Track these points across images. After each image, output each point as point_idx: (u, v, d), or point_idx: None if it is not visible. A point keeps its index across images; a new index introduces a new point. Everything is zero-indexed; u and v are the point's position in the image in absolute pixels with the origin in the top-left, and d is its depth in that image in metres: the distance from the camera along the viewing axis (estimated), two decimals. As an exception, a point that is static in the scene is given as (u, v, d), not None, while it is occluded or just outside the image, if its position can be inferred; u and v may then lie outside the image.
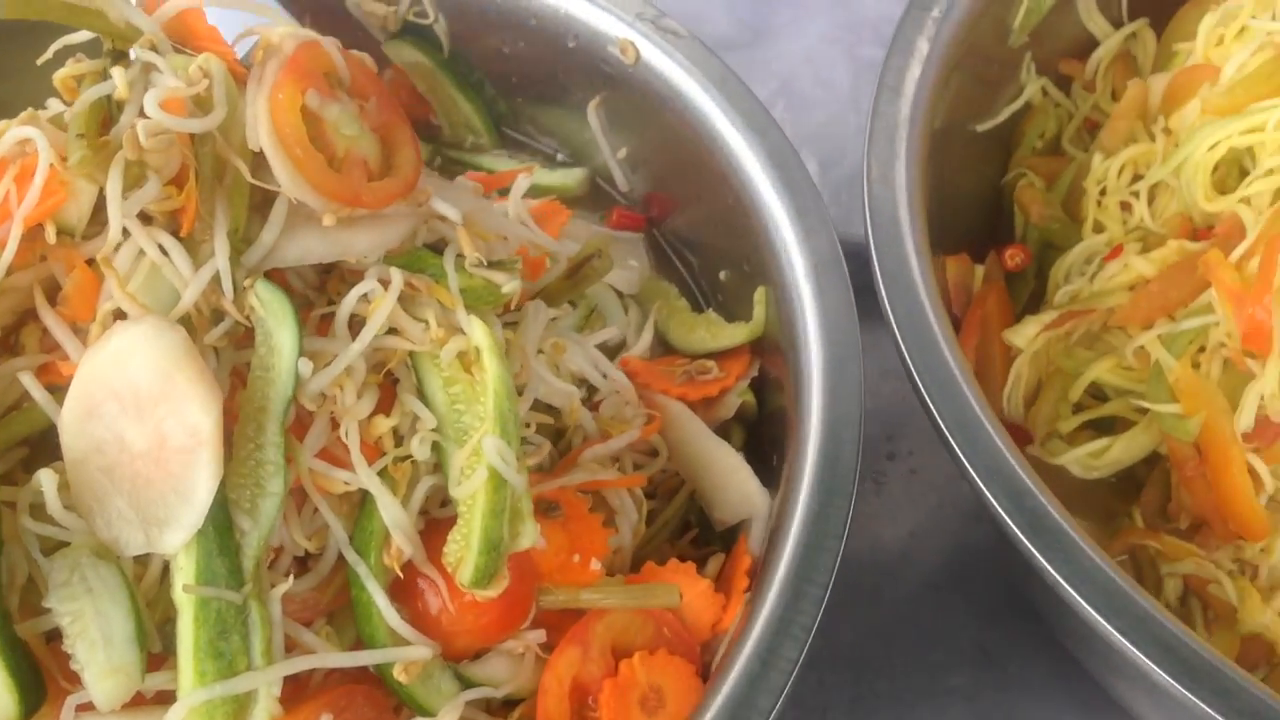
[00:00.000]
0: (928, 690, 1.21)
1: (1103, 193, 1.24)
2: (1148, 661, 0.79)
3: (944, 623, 1.23)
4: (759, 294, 1.05)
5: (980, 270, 1.27)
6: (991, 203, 1.34)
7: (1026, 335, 1.20)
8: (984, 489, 0.87)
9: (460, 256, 0.89)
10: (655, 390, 1.06)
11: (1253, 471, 1.05)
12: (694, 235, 1.19)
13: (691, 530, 1.04)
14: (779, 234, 1.02)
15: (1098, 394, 1.19)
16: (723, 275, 1.14)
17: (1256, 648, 1.07)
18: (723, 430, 1.07)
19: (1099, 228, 1.23)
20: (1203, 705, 0.76)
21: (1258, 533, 1.06)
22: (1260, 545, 1.08)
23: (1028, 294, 1.26)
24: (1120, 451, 1.13)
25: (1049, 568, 0.83)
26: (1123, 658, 0.80)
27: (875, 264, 0.97)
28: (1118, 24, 1.33)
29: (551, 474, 0.95)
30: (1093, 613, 0.81)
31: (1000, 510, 0.86)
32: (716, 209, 1.11)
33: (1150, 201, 1.21)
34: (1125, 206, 1.23)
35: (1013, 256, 1.27)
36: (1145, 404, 1.10)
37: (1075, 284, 1.20)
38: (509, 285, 0.89)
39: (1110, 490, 1.18)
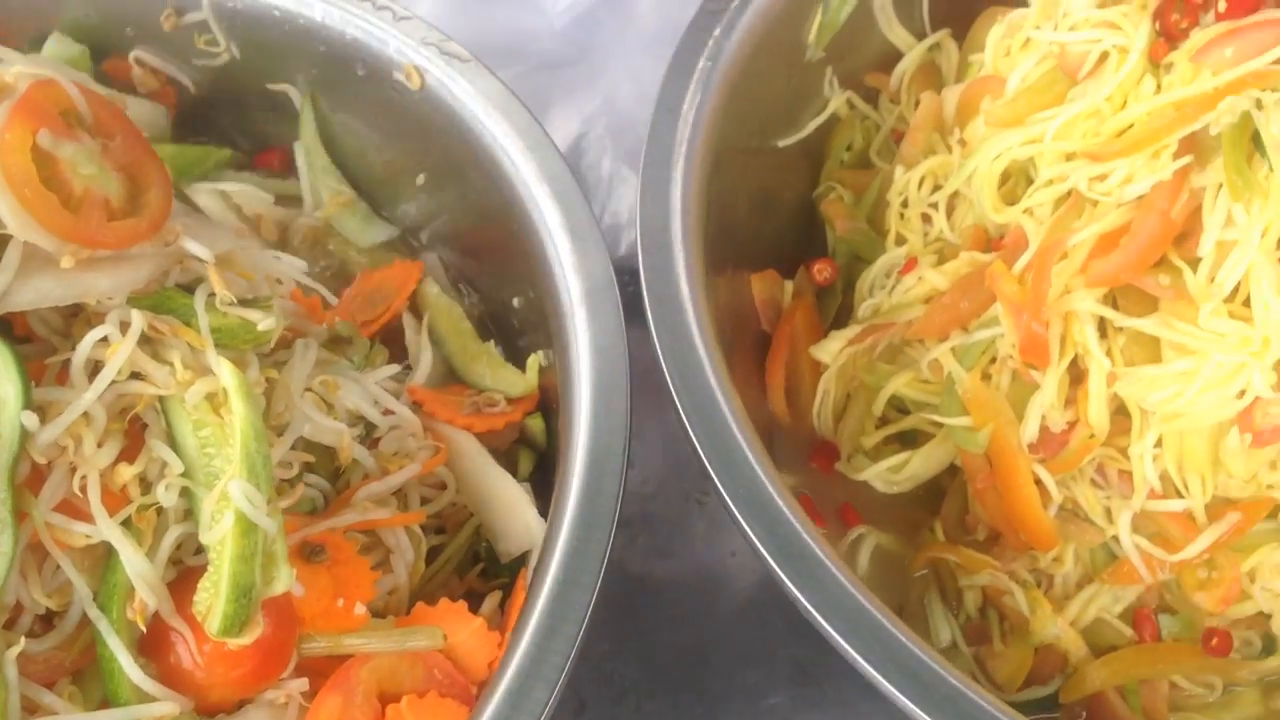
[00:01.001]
0: (746, 711, 1.20)
1: (905, 205, 1.24)
2: (886, 685, 0.79)
3: (762, 642, 1.23)
4: (532, 359, 1.06)
5: (790, 285, 1.28)
6: (806, 217, 1.33)
7: (831, 350, 1.20)
8: (736, 513, 0.86)
9: (212, 296, 0.86)
10: (441, 421, 1.04)
11: (1040, 482, 1.06)
12: (483, 260, 1.18)
13: (479, 563, 1.02)
14: (557, 259, 1.00)
15: (903, 408, 1.19)
16: (516, 302, 1.12)
17: (1051, 658, 1.07)
18: (511, 456, 1.06)
19: (900, 240, 1.23)
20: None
21: (1046, 542, 1.07)
22: (1054, 555, 1.09)
23: (836, 308, 1.26)
24: (918, 465, 1.14)
25: (800, 596, 0.82)
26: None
27: (644, 287, 0.96)
28: (921, 35, 1.33)
29: (324, 514, 0.93)
30: (838, 638, 0.81)
31: (752, 535, 0.85)
32: (502, 234, 1.09)
33: (950, 213, 1.21)
34: (926, 218, 1.23)
35: (820, 271, 1.27)
36: (937, 418, 1.10)
37: (877, 298, 1.20)
38: (264, 323, 0.87)
39: (917, 503, 1.18)
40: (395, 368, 1.03)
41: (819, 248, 1.32)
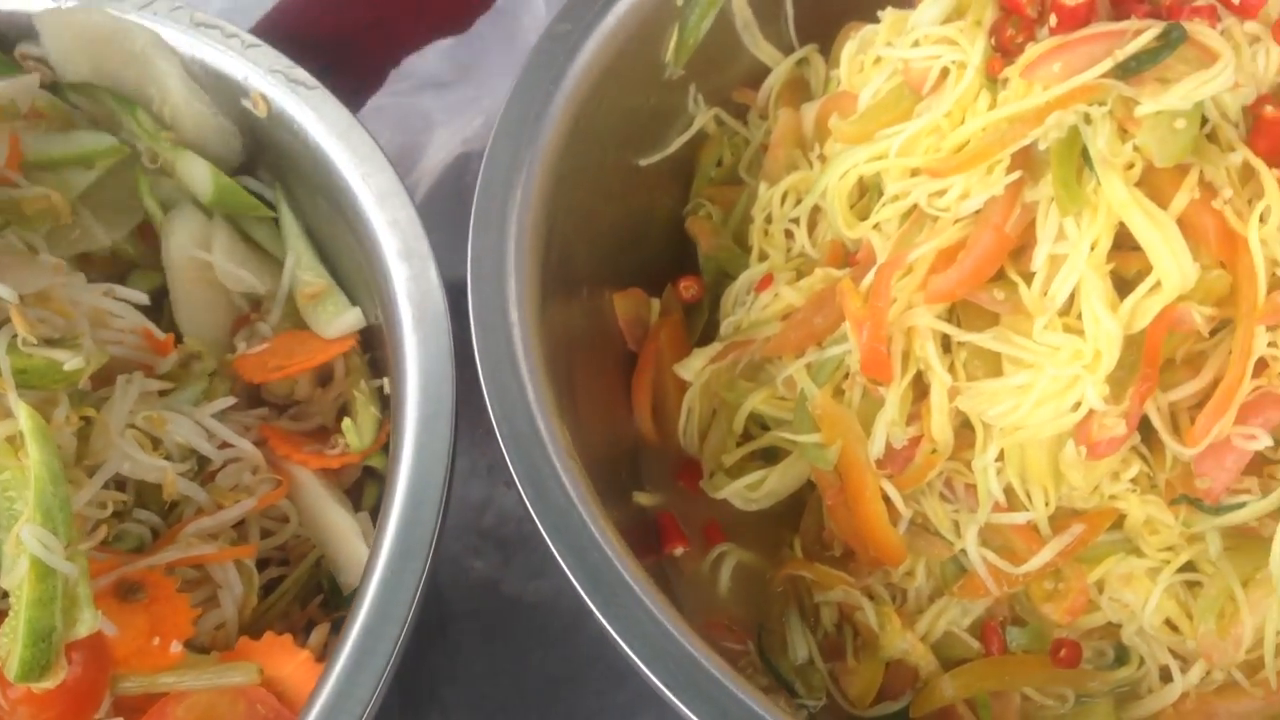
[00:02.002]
0: (616, 730, 1.20)
1: (769, 220, 1.24)
2: (685, 709, 0.79)
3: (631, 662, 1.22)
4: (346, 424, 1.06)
5: (657, 304, 1.28)
6: (680, 235, 1.33)
7: (694, 368, 1.20)
8: (548, 540, 0.86)
9: (15, 337, 0.86)
10: (281, 456, 1.04)
11: (888, 498, 1.06)
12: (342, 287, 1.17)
13: (320, 595, 1.02)
14: (391, 286, 1.00)
15: (767, 425, 1.19)
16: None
17: (903, 672, 1.08)
18: (357, 488, 1.06)
19: (764, 256, 1.23)
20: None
21: (894, 557, 1.07)
22: (906, 569, 1.09)
23: (703, 325, 1.26)
24: (775, 483, 1.14)
25: (604, 620, 0.82)
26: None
27: (471, 317, 0.96)
28: (789, 51, 1.33)
29: (150, 550, 0.92)
30: (639, 662, 0.81)
31: (562, 561, 0.85)
32: (350, 262, 1.09)
33: (812, 229, 1.21)
34: (790, 234, 1.23)
35: (687, 288, 1.27)
36: (789, 435, 1.10)
37: (738, 314, 1.20)
38: (71, 363, 0.87)
39: (780, 520, 1.18)
40: (228, 400, 1.02)
41: (693, 265, 1.32)
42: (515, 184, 1.05)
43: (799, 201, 1.21)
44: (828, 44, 1.33)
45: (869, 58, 1.18)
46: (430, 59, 1.59)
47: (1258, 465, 1.00)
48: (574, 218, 1.12)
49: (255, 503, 0.98)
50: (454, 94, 1.56)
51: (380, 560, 0.85)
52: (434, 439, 0.90)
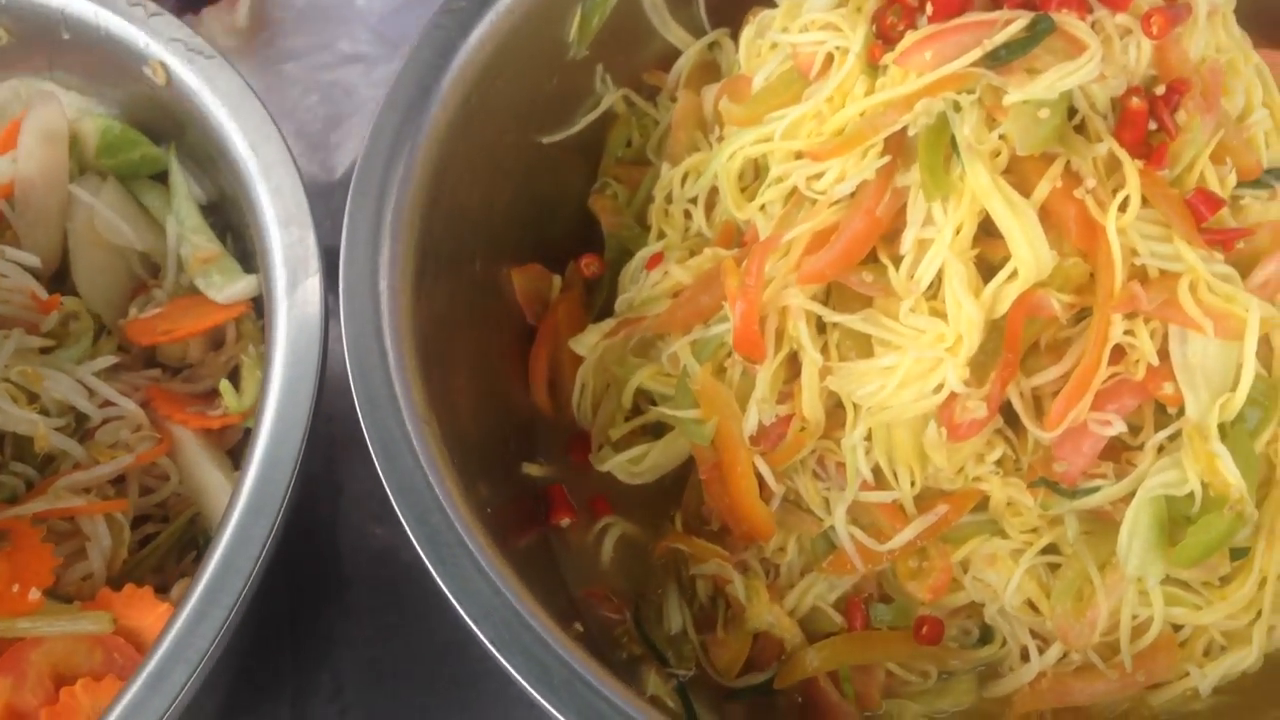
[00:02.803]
0: (499, 694, 1.23)
1: (669, 200, 1.26)
2: (508, 665, 0.81)
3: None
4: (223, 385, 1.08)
5: (558, 280, 1.29)
6: (589, 213, 1.35)
7: (588, 343, 1.22)
8: (394, 502, 0.88)
9: None
10: (164, 416, 1.06)
11: (760, 475, 1.08)
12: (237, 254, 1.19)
13: (194, 550, 1.04)
14: (270, 251, 1.02)
15: (655, 401, 1.21)
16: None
17: (769, 645, 1.10)
18: (239, 448, 1.08)
19: (662, 235, 1.25)
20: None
21: (764, 532, 1.09)
22: (778, 545, 1.11)
23: (603, 302, 1.28)
24: (657, 457, 1.16)
25: (440, 580, 0.84)
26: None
27: (341, 294, 0.98)
28: (700, 34, 1.35)
29: (18, 502, 0.94)
30: (470, 621, 0.83)
31: (405, 522, 0.87)
32: (241, 225, 1.11)
33: (710, 210, 1.23)
34: (689, 214, 1.25)
35: (587, 265, 1.29)
36: (670, 411, 1.12)
37: (631, 292, 1.22)
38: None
39: (665, 495, 1.20)
40: (109, 359, 1.04)
41: (601, 244, 1.33)
42: (399, 156, 1.06)
43: (699, 182, 1.23)
44: (739, 28, 1.34)
45: (766, 42, 1.20)
46: (360, 34, 1.61)
47: (1116, 451, 1.02)
48: (466, 192, 1.14)
49: (133, 460, 1.00)
50: (382, 69, 1.57)
51: (233, 515, 0.88)
52: (295, 402, 0.93)
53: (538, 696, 0.81)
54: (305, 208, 1.03)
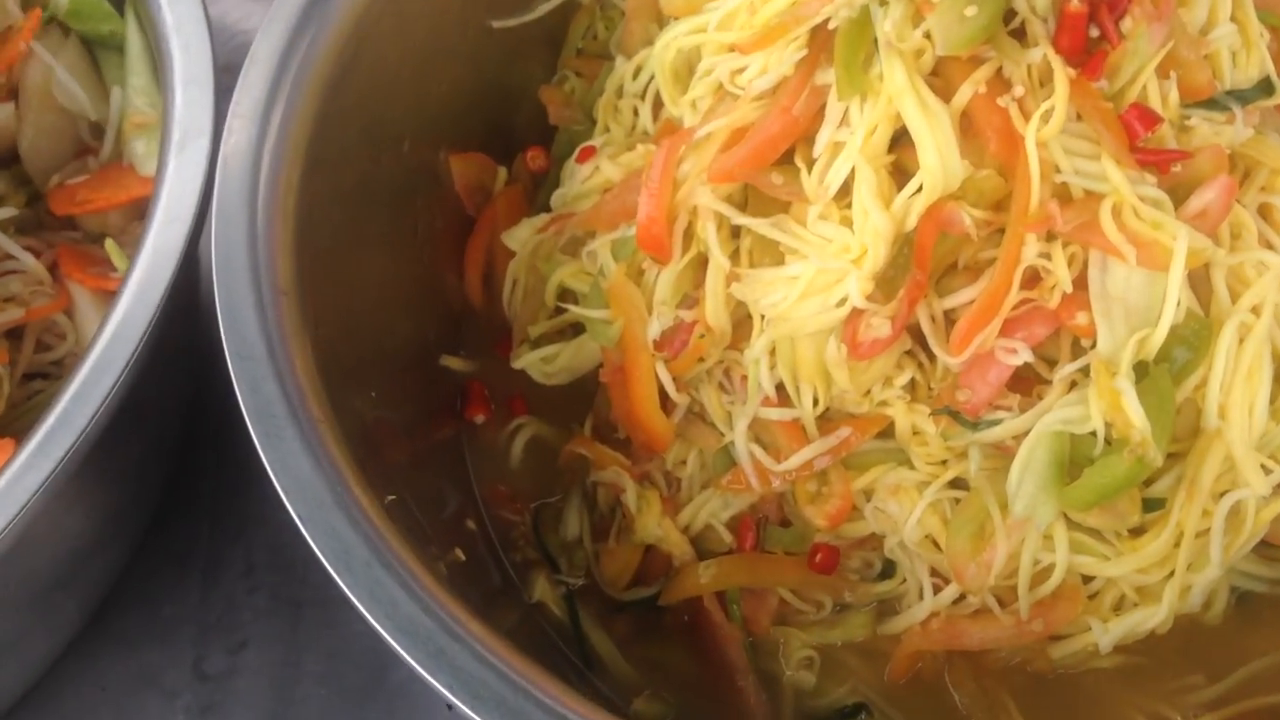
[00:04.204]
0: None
1: (619, 94, 1.20)
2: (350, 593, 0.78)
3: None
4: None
5: (504, 172, 1.25)
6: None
7: (520, 238, 1.18)
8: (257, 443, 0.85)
9: None
10: (65, 275, 1.05)
11: (662, 386, 1.03)
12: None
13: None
14: (171, 112, 1.01)
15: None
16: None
17: (660, 559, 1.06)
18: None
19: (607, 130, 1.20)
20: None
21: (661, 442, 1.05)
22: (679, 458, 1.07)
23: (548, 197, 1.23)
24: (569, 358, 1.12)
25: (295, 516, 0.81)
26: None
27: (222, 147, 0.95)
28: (678, -80, 1.28)
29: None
30: (317, 550, 0.80)
31: (268, 465, 0.84)
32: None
33: (659, 106, 1.17)
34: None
35: (533, 158, 1.25)
36: (580, 310, 1.08)
37: (567, 186, 1.17)
38: None
39: (587, 399, 1.15)
40: (10, 211, 1.03)
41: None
42: (310, 21, 1.02)
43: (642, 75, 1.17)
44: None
45: (721, -71, 1.12)
46: None
47: (1029, 383, 0.95)
48: (391, 67, 1.10)
49: (23, 313, 1.00)
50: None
51: (94, 349, 0.86)
52: (169, 243, 0.91)
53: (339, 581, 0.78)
54: (209, 67, 1.00)
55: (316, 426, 0.84)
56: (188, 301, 0.94)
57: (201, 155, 0.96)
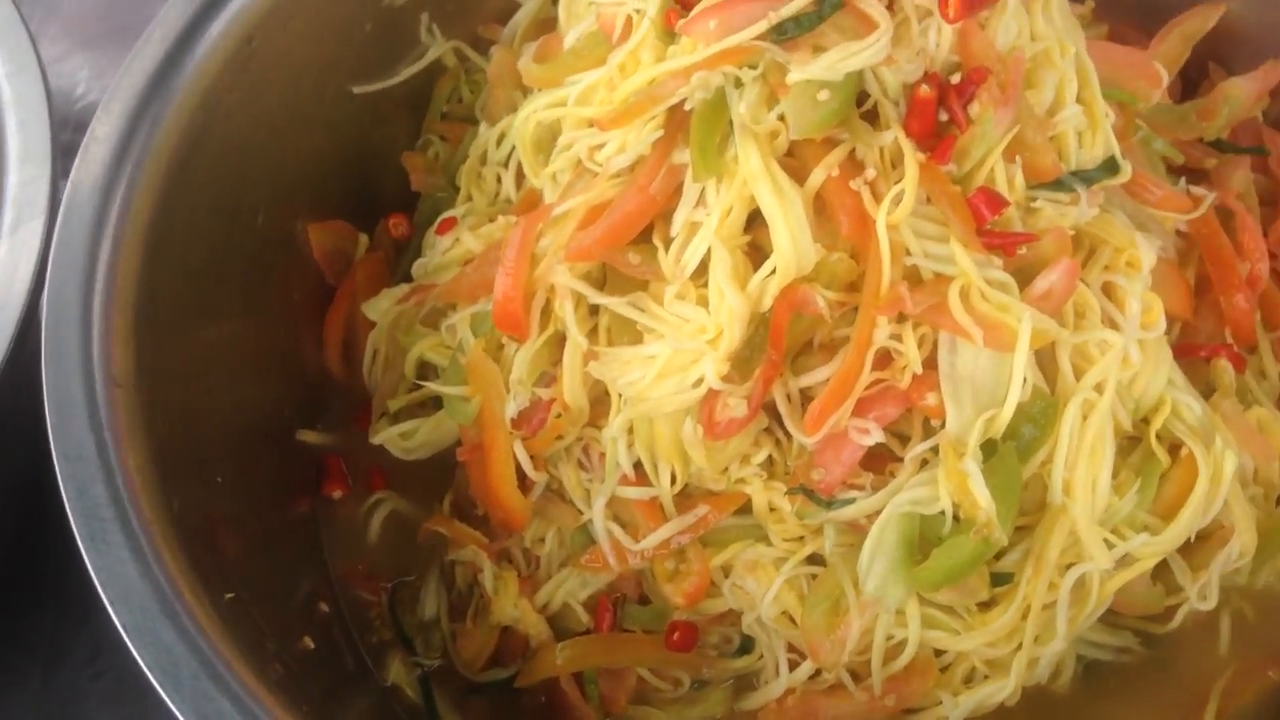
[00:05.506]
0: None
1: (483, 161, 1.19)
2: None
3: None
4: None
5: (365, 239, 1.23)
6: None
7: (380, 308, 1.16)
8: (60, 474, 0.82)
9: None
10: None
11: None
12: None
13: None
14: (6, 191, 0.97)
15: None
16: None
17: (516, 640, 1.04)
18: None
19: (470, 198, 1.19)
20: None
21: (518, 520, 1.03)
22: (537, 536, 1.06)
23: (409, 265, 1.22)
24: (428, 434, 1.10)
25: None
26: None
27: (56, 233, 0.92)
28: (543, -13, 1.28)
29: None
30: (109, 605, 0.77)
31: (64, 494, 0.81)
32: None
33: (522, 175, 1.16)
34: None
35: (396, 226, 1.24)
36: (436, 386, 1.06)
37: (428, 256, 1.16)
38: None
39: (448, 475, 1.13)
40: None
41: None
42: (157, 95, 0.99)
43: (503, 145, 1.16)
44: (581, -17, 1.27)
45: (584, 1, 1.13)
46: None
47: (882, 461, 0.96)
48: (243, 138, 1.07)
49: None
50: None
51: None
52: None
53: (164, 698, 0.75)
54: (47, 146, 0.97)
55: (147, 528, 0.82)
56: (21, 383, 0.90)
57: (36, 238, 0.93)
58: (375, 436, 1.12)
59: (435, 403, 1.13)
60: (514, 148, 1.14)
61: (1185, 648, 1.04)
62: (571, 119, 1.05)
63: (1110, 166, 0.99)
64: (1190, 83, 1.23)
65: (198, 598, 0.80)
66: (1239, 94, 1.16)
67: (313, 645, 0.96)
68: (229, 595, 0.83)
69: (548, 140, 1.10)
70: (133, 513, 0.82)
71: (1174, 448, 0.98)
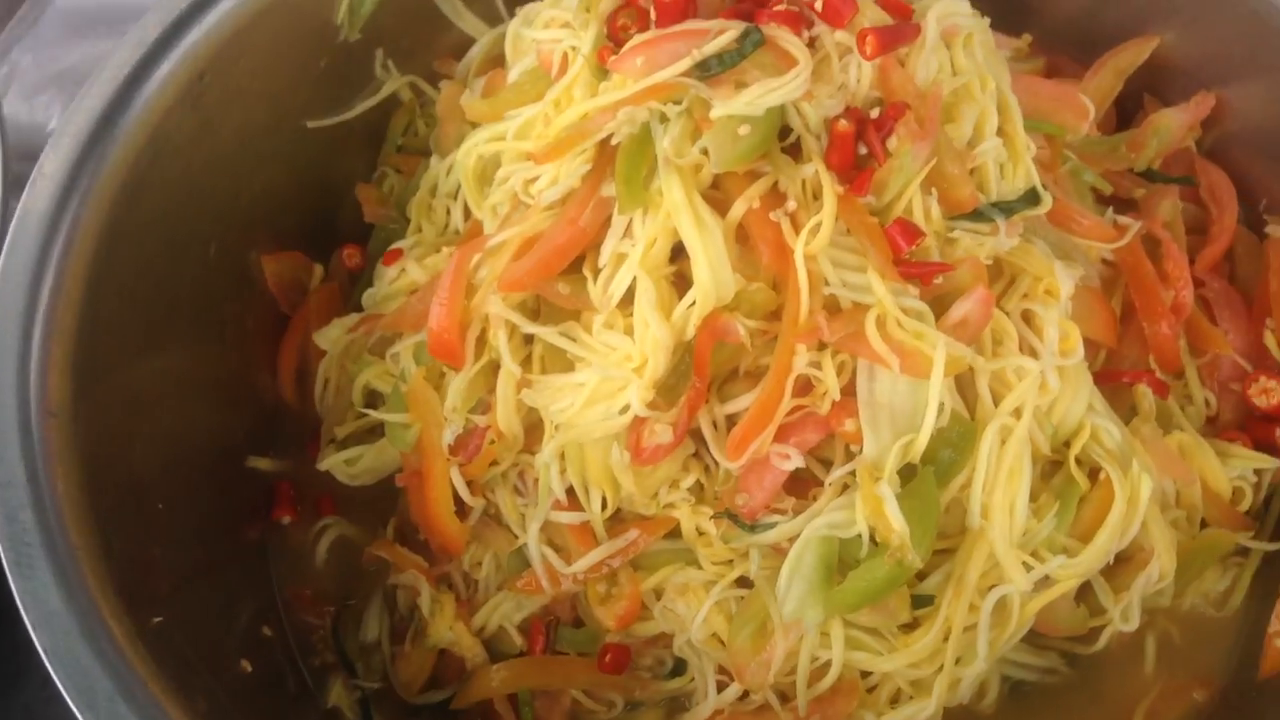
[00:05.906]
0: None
1: (433, 193, 1.22)
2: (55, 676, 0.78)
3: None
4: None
5: (320, 269, 1.26)
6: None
7: (330, 337, 1.19)
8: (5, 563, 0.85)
9: None
10: None
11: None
12: None
13: None
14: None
15: (390, 401, 1.17)
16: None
17: (453, 663, 1.06)
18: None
19: (420, 229, 1.21)
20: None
21: (454, 546, 1.05)
22: (475, 559, 1.08)
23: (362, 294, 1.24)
24: (372, 460, 1.13)
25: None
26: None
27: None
28: (498, 22, 1.31)
29: None
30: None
31: None
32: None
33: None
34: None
35: (349, 256, 1.26)
36: (377, 414, 1.09)
37: (377, 286, 1.18)
38: None
39: (395, 501, 1.16)
40: None
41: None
42: (101, 136, 1.02)
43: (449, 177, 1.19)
44: (534, 19, 1.30)
45: (528, 36, 1.16)
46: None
47: (805, 486, 0.98)
48: (192, 173, 1.10)
49: None
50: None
51: None
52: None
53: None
54: (-2, 182, 0.99)
55: (74, 555, 0.84)
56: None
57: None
58: (322, 463, 1.14)
59: (381, 430, 1.15)
60: (449, 179, 1.18)
61: (1111, 669, 1.05)
62: (510, 152, 1.08)
63: (1031, 198, 1.01)
64: (1126, 114, 1.25)
65: (120, 622, 0.82)
66: (1169, 125, 1.18)
67: (250, 669, 0.98)
68: (157, 619, 0.85)
69: (490, 173, 1.12)
70: (60, 539, 0.84)
71: (1094, 472, 0.99)
